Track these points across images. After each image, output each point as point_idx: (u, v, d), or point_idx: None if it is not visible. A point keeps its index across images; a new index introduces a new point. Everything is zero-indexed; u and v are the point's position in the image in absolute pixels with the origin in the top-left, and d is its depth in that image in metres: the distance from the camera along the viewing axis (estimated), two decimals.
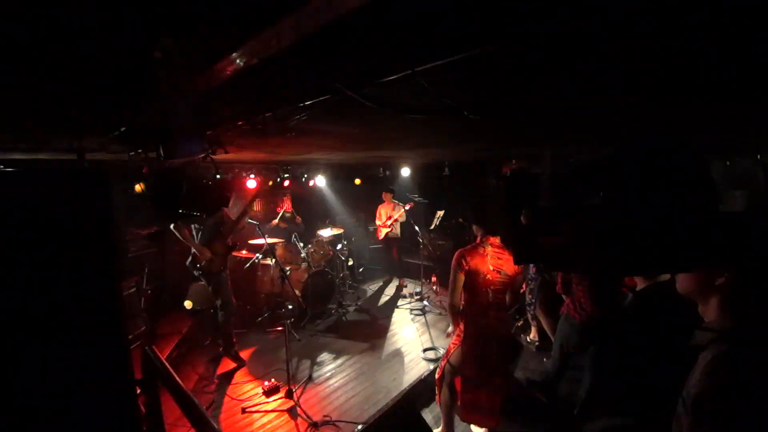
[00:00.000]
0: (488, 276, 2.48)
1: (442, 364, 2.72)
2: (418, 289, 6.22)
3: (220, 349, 4.40)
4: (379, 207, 6.71)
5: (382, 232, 6.62)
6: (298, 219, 6.13)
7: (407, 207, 6.41)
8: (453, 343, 2.68)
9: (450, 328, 2.78)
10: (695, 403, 0.88)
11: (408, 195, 6.72)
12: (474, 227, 2.66)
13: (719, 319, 0.98)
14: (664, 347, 1.53)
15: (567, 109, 2.04)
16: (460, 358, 2.60)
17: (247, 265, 5.29)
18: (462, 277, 2.51)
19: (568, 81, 1.50)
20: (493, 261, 2.50)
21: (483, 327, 2.55)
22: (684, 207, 0.61)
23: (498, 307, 2.56)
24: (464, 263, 2.49)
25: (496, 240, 2.54)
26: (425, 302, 5.87)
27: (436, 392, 2.76)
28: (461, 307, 2.61)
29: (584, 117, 2.36)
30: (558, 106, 1.95)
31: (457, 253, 2.55)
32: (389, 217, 6.48)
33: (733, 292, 0.96)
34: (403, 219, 6.45)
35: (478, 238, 2.58)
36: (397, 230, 6.61)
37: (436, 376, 2.76)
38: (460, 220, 7.34)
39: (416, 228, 6.14)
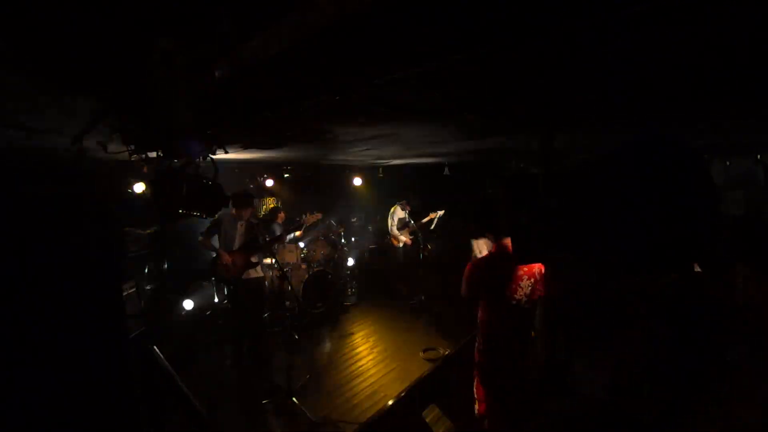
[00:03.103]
0: (506, 291, 2.20)
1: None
2: (418, 290, 6.21)
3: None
4: (394, 207, 6.49)
5: (401, 242, 6.40)
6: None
7: (440, 214, 6.25)
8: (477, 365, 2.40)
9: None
10: None
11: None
12: (488, 236, 2.35)
13: None
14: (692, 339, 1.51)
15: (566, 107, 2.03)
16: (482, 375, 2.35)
17: None
18: (471, 290, 2.27)
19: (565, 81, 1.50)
20: (509, 271, 2.22)
21: (504, 357, 2.26)
22: (685, 207, 0.61)
23: (522, 329, 2.27)
24: (477, 278, 2.24)
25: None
26: (425, 302, 5.86)
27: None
28: (478, 320, 2.36)
29: (584, 117, 2.36)
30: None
31: (467, 267, 2.28)
32: (425, 221, 6.29)
33: None
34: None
35: (494, 247, 2.31)
36: (418, 238, 6.23)
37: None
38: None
39: (415, 226, 6.14)
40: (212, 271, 4.04)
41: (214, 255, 3.98)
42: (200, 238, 4.06)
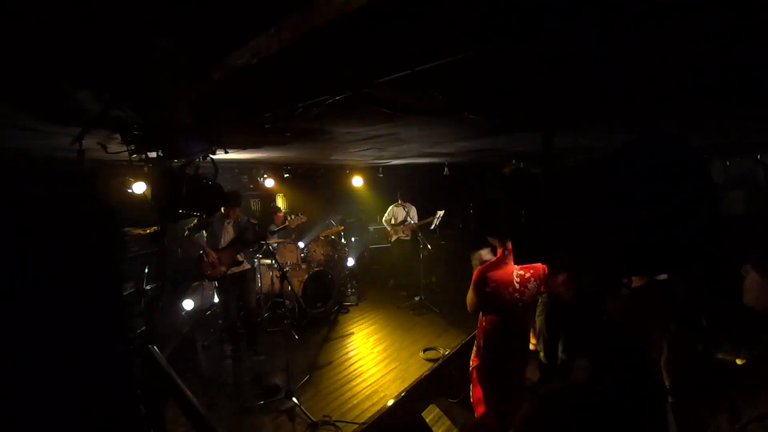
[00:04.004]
0: (516, 294, 2.18)
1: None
2: (418, 290, 6.21)
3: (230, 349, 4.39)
4: (392, 206, 6.58)
5: (393, 238, 6.54)
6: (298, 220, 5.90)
7: (440, 214, 6.30)
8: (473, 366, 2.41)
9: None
10: None
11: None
12: (493, 240, 2.31)
13: None
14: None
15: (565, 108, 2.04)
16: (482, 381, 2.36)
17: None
18: (483, 299, 2.23)
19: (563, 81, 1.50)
20: (519, 274, 2.20)
21: (505, 360, 2.27)
22: (685, 207, 0.61)
23: (523, 330, 2.31)
24: (485, 284, 2.18)
25: None
26: (425, 302, 5.86)
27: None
28: (480, 322, 2.35)
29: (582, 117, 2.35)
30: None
31: (476, 272, 2.23)
32: (428, 220, 6.37)
33: None
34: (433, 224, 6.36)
35: (499, 251, 2.25)
36: (408, 234, 6.48)
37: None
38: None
39: (414, 225, 6.15)
40: (199, 269, 4.14)
41: (201, 252, 4.06)
42: (186, 233, 4.18)
